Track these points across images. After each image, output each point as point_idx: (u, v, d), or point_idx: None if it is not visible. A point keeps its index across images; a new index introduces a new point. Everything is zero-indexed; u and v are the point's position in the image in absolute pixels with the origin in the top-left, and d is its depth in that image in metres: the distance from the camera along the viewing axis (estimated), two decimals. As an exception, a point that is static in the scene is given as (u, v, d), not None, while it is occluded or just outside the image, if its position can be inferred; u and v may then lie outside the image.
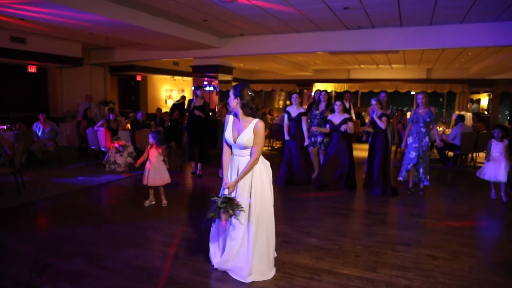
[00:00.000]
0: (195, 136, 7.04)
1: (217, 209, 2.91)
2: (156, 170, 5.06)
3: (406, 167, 5.96)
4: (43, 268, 3.29)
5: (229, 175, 3.18)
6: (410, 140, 5.90)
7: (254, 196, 3.05)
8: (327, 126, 6.29)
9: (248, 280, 3.04)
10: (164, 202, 5.25)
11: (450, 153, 9.20)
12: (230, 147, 3.19)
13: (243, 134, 3.01)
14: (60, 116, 11.37)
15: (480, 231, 4.37)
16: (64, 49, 10.22)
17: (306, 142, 6.42)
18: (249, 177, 3.08)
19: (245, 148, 3.05)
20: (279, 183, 6.47)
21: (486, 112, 15.02)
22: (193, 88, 11.76)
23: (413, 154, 5.86)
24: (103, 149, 7.97)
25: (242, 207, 2.97)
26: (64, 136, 10.64)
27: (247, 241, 3.06)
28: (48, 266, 3.34)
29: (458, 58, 11.66)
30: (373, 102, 5.99)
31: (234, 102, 3.05)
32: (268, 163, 3.21)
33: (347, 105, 10.84)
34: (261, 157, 3.15)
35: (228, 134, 3.11)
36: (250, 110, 3.02)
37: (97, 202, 5.70)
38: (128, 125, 9.06)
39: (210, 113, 7.86)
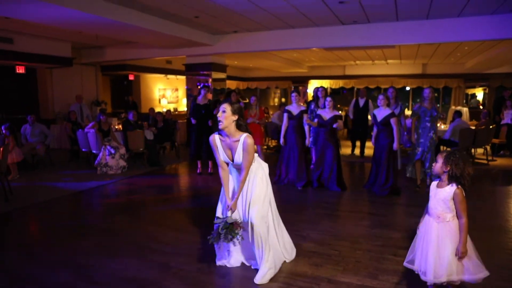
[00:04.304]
0: (203, 135, 6.89)
1: (218, 234, 2.98)
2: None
3: (412, 163, 5.96)
4: (24, 281, 3.10)
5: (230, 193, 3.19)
6: (415, 135, 5.86)
7: (251, 193, 3.07)
8: (315, 121, 6.09)
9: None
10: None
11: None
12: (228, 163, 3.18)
13: (238, 154, 2.98)
14: (52, 118, 11.12)
15: (482, 231, 4.22)
16: (53, 48, 9.94)
17: (308, 141, 6.26)
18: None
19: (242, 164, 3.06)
20: (279, 184, 6.32)
21: (481, 107, 14.92)
22: (186, 87, 11.55)
23: (419, 149, 5.81)
24: (94, 152, 7.76)
25: (241, 230, 3.00)
26: (55, 138, 10.39)
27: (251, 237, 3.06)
28: (30, 277, 3.15)
29: (454, 53, 11.53)
30: (380, 97, 5.73)
31: (230, 119, 2.95)
32: (266, 164, 3.24)
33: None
34: (259, 160, 3.19)
35: (223, 155, 3.07)
36: (244, 126, 3.02)
37: (87, 208, 5.49)
38: (120, 126, 8.84)
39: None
